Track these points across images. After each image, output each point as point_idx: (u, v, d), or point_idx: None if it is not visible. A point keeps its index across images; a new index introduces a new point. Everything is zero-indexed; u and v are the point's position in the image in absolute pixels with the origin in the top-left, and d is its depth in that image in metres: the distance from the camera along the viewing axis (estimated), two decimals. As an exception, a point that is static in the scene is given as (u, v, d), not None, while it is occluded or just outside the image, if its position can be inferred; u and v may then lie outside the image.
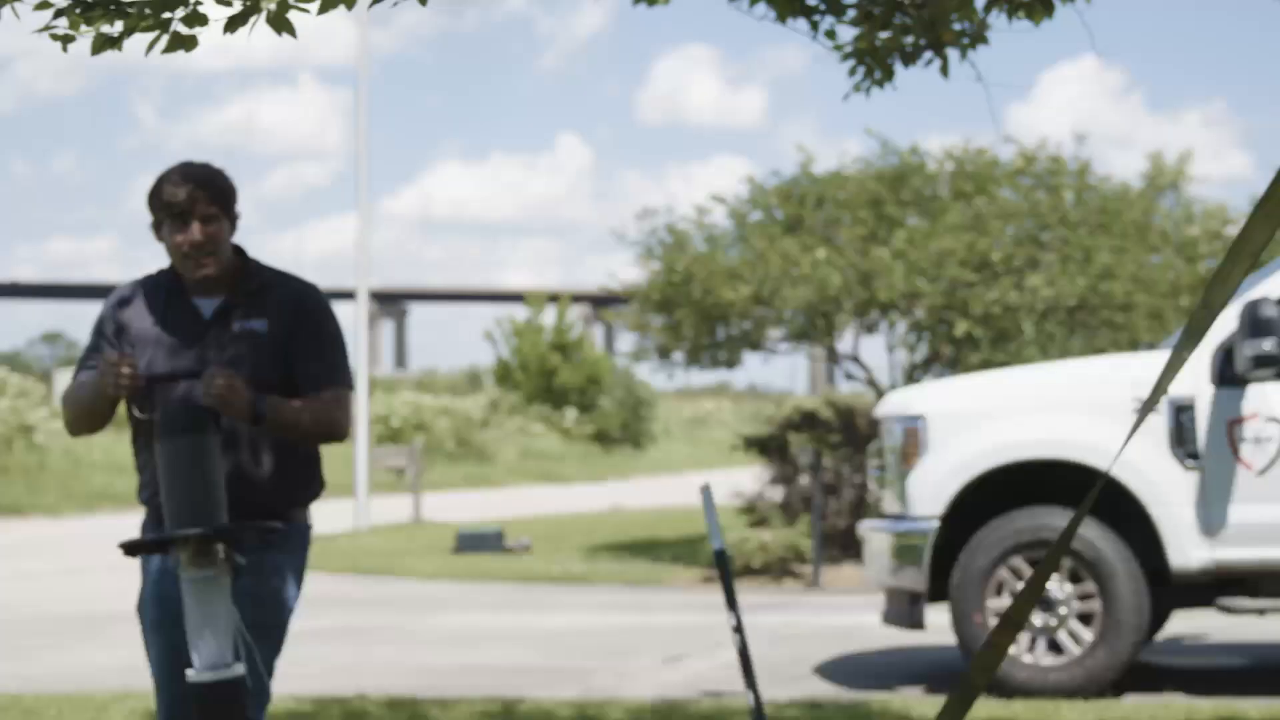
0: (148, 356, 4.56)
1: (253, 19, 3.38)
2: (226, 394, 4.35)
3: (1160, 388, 3.68)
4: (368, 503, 23.10)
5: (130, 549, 4.39)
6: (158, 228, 4.57)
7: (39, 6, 3.51)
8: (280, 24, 3.38)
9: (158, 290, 4.65)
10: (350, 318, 24.89)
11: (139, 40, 3.51)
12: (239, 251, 4.67)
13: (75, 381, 4.64)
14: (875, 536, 9.51)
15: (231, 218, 4.58)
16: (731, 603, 5.05)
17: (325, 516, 21.18)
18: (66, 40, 3.60)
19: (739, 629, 5.18)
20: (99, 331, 4.69)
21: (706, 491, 4.70)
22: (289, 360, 4.60)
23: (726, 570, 4.65)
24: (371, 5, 3.61)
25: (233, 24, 3.39)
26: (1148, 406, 3.80)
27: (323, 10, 3.41)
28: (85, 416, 4.62)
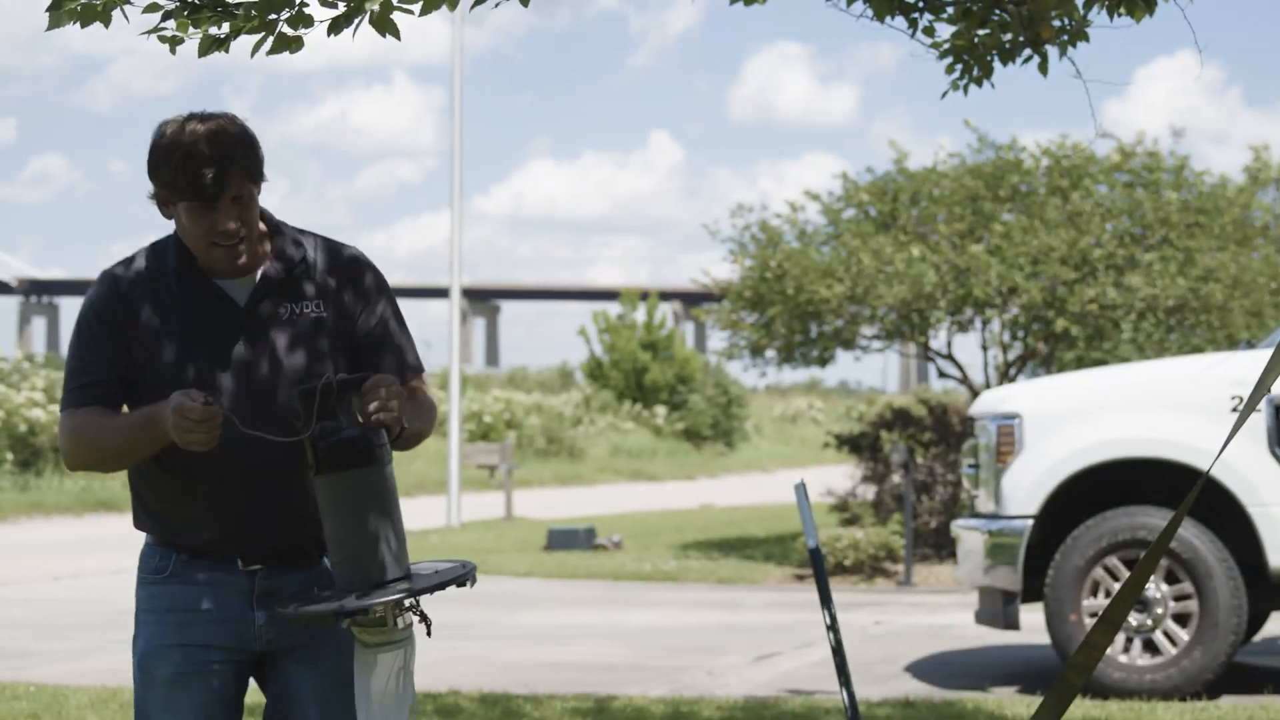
0: (172, 359, 3.60)
1: (357, 20, 3.42)
2: (395, 407, 3.49)
3: (1263, 386, 3.66)
4: (459, 499, 23.20)
5: (303, 619, 3.50)
6: (165, 204, 3.57)
7: (148, 9, 3.56)
8: (384, 25, 3.42)
9: (165, 272, 3.63)
10: (444, 315, 25.03)
11: (245, 42, 3.55)
12: (264, 216, 3.66)
13: (89, 417, 3.62)
14: (969, 535, 9.47)
15: (260, 184, 3.59)
16: (826, 600, 5.04)
17: (418, 513, 21.35)
18: (175, 42, 3.65)
19: (833, 627, 5.17)
20: (92, 334, 3.64)
21: (801, 488, 4.70)
22: (352, 350, 3.69)
23: (821, 567, 4.64)
24: (474, 6, 3.63)
25: (337, 25, 3.43)
26: (1250, 406, 3.77)
27: (425, 11, 3.45)
28: (116, 459, 3.68)
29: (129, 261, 3.66)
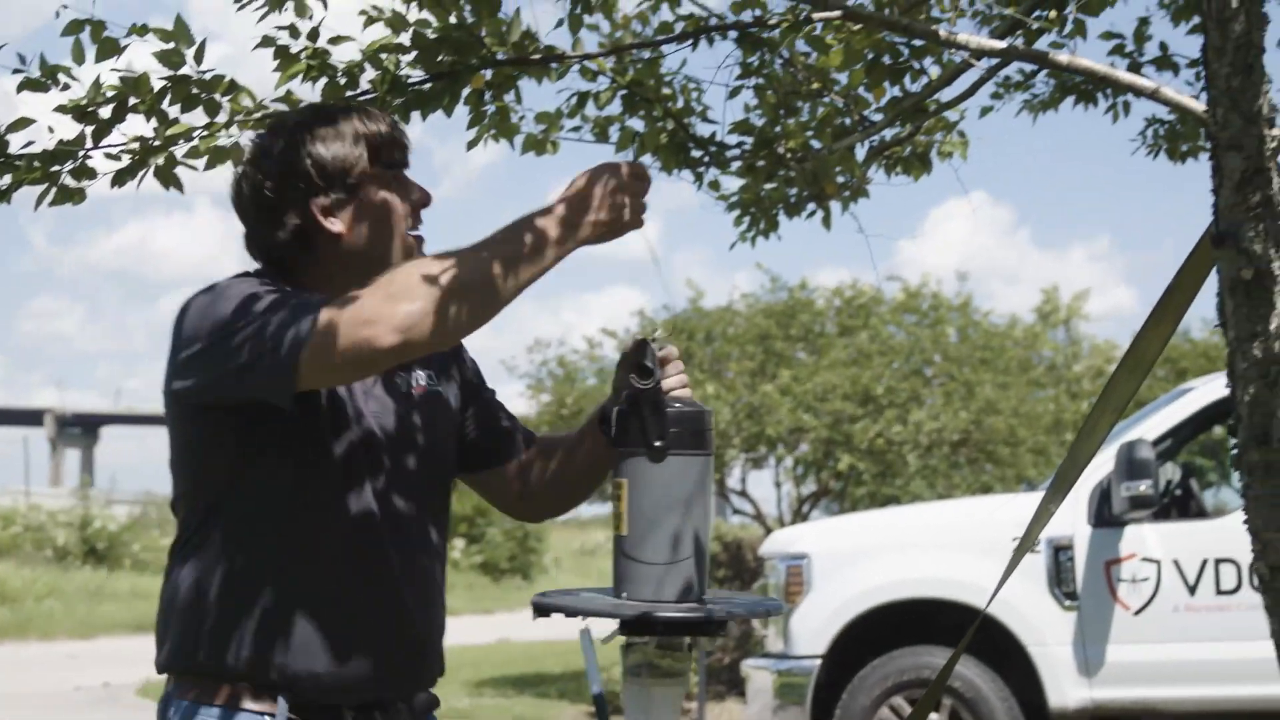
0: (370, 408, 2.86)
1: (141, 173, 3.43)
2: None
3: (1028, 539, 3.78)
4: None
5: (632, 626, 2.78)
6: (349, 198, 2.83)
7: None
8: (168, 179, 3.44)
9: None
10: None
11: (27, 192, 3.53)
12: None
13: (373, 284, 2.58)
14: (758, 675, 9.54)
15: None
16: (611, 747, 4.98)
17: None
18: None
19: (619, 772, 5.19)
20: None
21: (585, 635, 4.69)
22: (469, 425, 3.11)
23: (604, 713, 4.66)
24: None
25: (121, 178, 3.43)
26: (1018, 556, 3.89)
27: (209, 167, 3.47)
28: (502, 285, 2.60)
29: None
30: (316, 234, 2.81)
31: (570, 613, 2.84)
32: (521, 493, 3.21)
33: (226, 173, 3.49)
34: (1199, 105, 3.49)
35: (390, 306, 2.50)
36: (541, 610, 2.89)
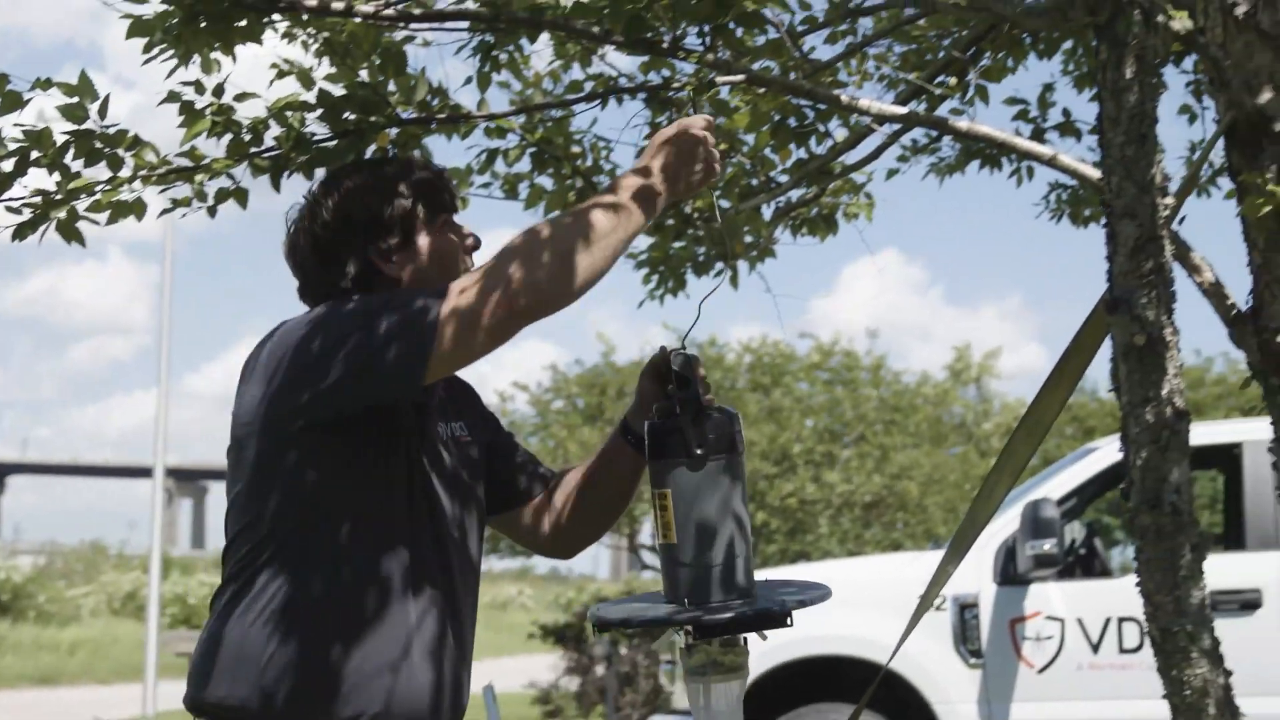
0: (428, 452, 2.94)
1: (43, 226, 3.42)
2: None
3: (928, 599, 3.82)
4: (155, 688, 22.53)
5: (707, 629, 2.85)
6: (400, 246, 2.93)
7: None
8: (69, 233, 3.43)
9: None
10: (149, 495, 24.48)
11: (-73, 242, 3.51)
12: None
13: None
14: (665, 732, 9.53)
15: None
16: (513, 805, 4.94)
17: (111, 703, 20.62)
18: None
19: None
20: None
21: (489, 691, 4.69)
22: (495, 467, 3.18)
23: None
24: (160, 215, 3.66)
25: (22, 231, 3.42)
26: (917, 615, 3.93)
27: (111, 221, 3.46)
28: (617, 241, 2.72)
29: None
30: (375, 277, 2.90)
31: (641, 624, 2.89)
32: (553, 528, 3.26)
33: (145, 218, 3.48)
34: (1095, 172, 3.56)
35: (522, 271, 2.61)
36: (605, 625, 2.92)
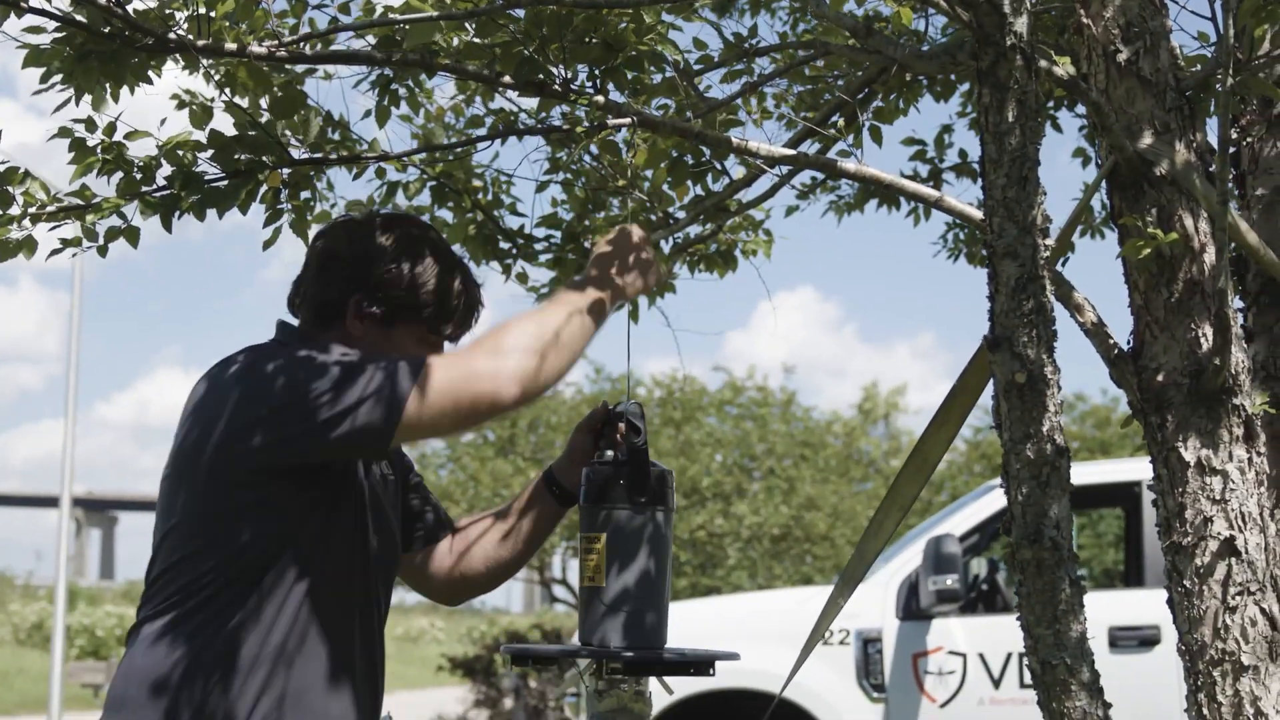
0: (366, 494, 2.97)
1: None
2: None
3: (818, 632, 3.86)
4: (60, 720, 22.31)
5: (636, 667, 2.96)
6: (383, 319, 2.92)
7: None
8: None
9: None
10: (54, 525, 24.25)
11: None
12: None
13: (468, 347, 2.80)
14: (569, 765, 9.54)
15: None
16: (408, 837, 4.95)
17: (13, 735, 20.35)
18: None
19: None
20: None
21: (388, 723, 4.67)
22: (409, 507, 3.25)
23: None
24: (49, 256, 3.67)
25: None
26: (809, 647, 3.97)
27: (1, 260, 3.47)
28: (573, 351, 2.84)
29: None
30: (335, 319, 2.93)
31: (553, 656, 3.11)
32: (448, 573, 3.31)
33: (51, 254, 3.49)
34: (979, 214, 3.62)
35: (504, 362, 2.73)
36: (520, 658, 3.06)
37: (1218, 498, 3.39)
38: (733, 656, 3.15)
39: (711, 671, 3.03)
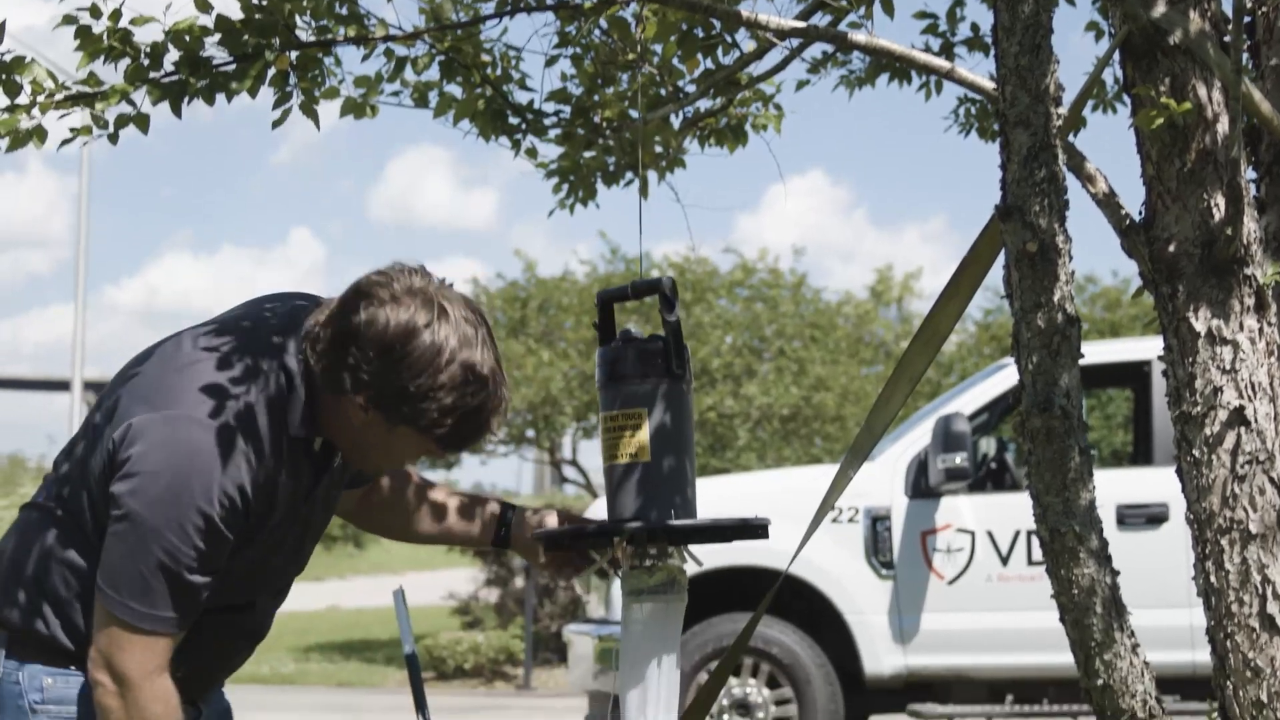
0: (273, 531, 2.89)
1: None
2: None
3: (826, 504, 3.88)
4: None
5: (682, 536, 3.03)
6: (384, 421, 2.76)
7: None
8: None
9: (281, 438, 2.80)
10: (68, 409, 24.36)
11: None
12: None
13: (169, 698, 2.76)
14: (579, 640, 9.61)
15: None
16: (420, 705, 5.10)
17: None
18: None
19: (430, 733, 5.21)
20: (211, 536, 2.71)
21: (399, 595, 4.74)
22: None
23: (417, 674, 4.70)
24: (60, 147, 3.66)
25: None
26: (816, 520, 3.99)
27: (11, 149, 3.45)
28: None
29: (246, 419, 2.73)
30: (344, 393, 2.74)
31: (579, 537, 3.06)
32: (369, 500, 3.28)
33: (61, 128, 3.48)
34: (991, 85, 3.60)
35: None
36: (554, 542, 3.10)
37: (1228, 368, 3.39)
38: (763, 524, 3.18)
39: (765, 535, 3.12)
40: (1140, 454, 10.20)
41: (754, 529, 3.14)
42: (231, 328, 2.81)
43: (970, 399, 9.40)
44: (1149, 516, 8.82)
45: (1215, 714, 3.43)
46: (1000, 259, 3.40)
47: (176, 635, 2.71)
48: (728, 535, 3.13)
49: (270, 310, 2.86)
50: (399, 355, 2.67)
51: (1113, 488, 8.84)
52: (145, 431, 2.65)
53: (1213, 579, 3.38)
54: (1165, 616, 8.54)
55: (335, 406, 2.77)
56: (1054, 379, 3.24)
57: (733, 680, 9.03)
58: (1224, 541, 3.36)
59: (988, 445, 9.96)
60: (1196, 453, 3.40)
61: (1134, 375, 9.97)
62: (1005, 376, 9.47)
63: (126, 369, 2.85)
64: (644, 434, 3.02)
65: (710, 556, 9.02)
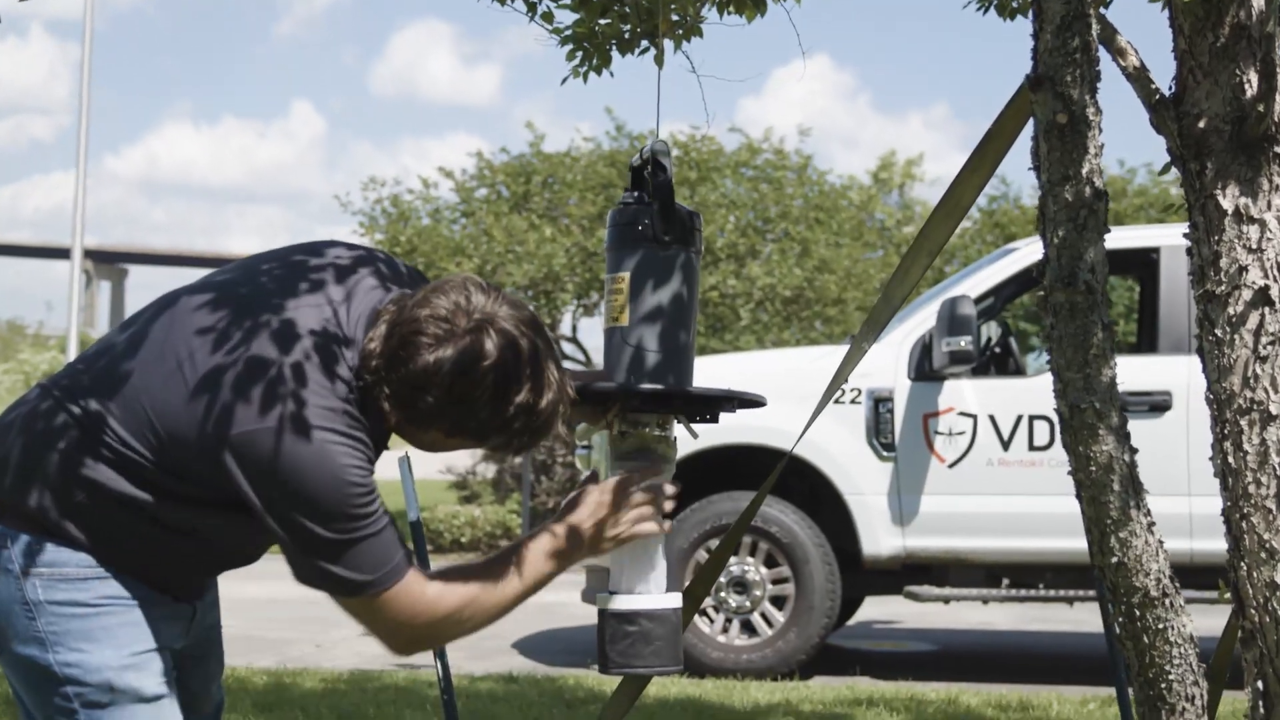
0: None
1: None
2: None
3: (841, 375, 3.84)
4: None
5: (694, 402, 3.04)
6: (435, 424, 2.81)
7: None
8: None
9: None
10: (67, 276, 24.30)
11: None
12: None
13: (443, 577, 2.85)
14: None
15: None
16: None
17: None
18: None
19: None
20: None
21: (404, 463, 4.74)
22: None
23: (421, 540, 4.70)
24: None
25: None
26: (828, 395, 3.95)
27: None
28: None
29: (349, 417, 2.77)
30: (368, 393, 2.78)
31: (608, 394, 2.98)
32: None
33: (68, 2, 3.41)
34: (1025, -50, 3.53)
35: (436, 631, 2.82)
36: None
37: (1254, 246, 3.33)
38: (759, 401, 3.13)
39: (764, 401, 3.06)
40: (1144, 342, 10.17)
41: (751, 399, 3.07)
42: (300, 314, 2.76)
43: (976, 282, 9.35)
44: (1152, 405, 8.79)
45: (1227, 595, 3.41)
46: (1027, 131, 3.34)
47: (412, 564, 2.80)
48: (696, 404, 3.05)
49: (325, 273, 2.83)
50: (469, 397, 2.71)
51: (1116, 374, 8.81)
52: (272, 447, 2.68)
53: (1230, 459, 3.34)
54: (1165, 504, 8.54)
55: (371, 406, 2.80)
56: (1079, 253, 3.19)
57: (731, 558, 9.04)
58: (1243, 422, 3.32)
59: (993, 330, 9.92)
60: (1219, 332, 3.35)
61: (1140, 263, 9.91)
62: (1012, 260, 9.42)
63: (194, 310, 2.80)
64: (623, 298, 2.98)
65: (710, 435, 9.06)
